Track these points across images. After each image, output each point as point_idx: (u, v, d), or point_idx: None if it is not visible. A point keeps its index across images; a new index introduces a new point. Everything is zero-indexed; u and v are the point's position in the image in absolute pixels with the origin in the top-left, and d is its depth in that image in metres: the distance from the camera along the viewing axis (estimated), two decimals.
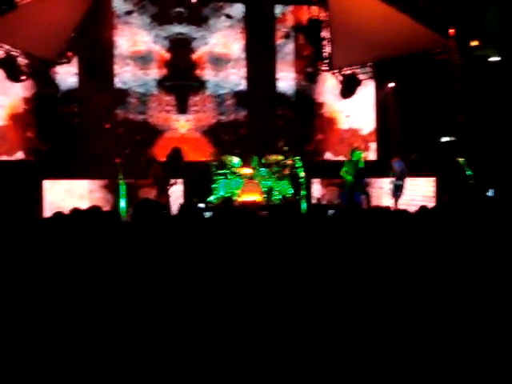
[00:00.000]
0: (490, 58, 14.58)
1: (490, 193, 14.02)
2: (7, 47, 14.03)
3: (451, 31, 14.46)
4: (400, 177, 14.46)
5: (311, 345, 3.13)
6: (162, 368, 3.04)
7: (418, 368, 3.05)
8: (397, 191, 14.48)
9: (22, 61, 14.59)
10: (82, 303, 3.31)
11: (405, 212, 4.54)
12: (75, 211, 4.54)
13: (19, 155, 15.39)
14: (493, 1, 14.38)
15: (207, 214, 9.13)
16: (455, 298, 3.46)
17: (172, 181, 13.72)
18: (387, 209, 5.04)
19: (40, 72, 15.13)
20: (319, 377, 3.03)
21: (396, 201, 14.48)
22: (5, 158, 15.22)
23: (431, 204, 14.94)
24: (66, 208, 5.07)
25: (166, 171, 13.69)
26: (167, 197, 13.58)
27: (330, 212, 4.68)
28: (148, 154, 15.72)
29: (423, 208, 5.27)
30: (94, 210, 4.45)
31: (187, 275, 3.63)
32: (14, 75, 14.51)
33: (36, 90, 15.46)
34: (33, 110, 15.52)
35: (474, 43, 14.51)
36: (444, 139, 15.40)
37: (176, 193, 14.35)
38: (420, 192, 15.28)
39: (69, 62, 15.66)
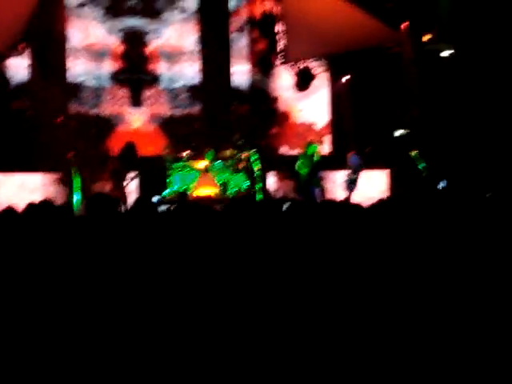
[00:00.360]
0: (442, 51, 14.75)
1: (442, 184, 14.22)
2: None
3: (404, 25, 14.61)
4: (355, 171, 14.54)
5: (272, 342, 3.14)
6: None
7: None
8: (351, 185, 14.56)
9: None
10: (34, 299, 3.27)
11: (358, 205, 4.58)
12: (28, 206, 4.46)
13: None
14: None
15: (162, 208, 9.08)
16: (411, 291, 3.49)
17: (128, 175, 13.63)
18: (342, 202, 5.07)
19: None
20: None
21: (349, 194, 14.57)
22: None
23: (385, 197, 15.18)
24: (19, 203, 4.99)
25: (122, 165, 13.60)
26: (123, 191, 13.49)
27: (285, 205, 4.69)
28: (102, 147, 15.58)
29: (378, 201, 5.31)
30: (46, 203, 4.38)
31: (140, 271, 3.60)
32: None
33: None
34: None
35: (427, 37, 14.68)
36: (397, 133, 15.55)
37: (131, 187, 14.24)
38: (374, 185, 15.40)
39: (20, 54, 15.41)
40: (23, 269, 3.45)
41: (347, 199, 14.14)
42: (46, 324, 3.12)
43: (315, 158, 13.90)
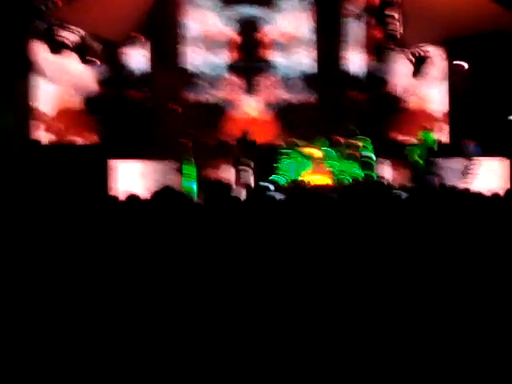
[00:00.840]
0: None
1: None
2: (81, 32, 14.24)
3: None
4: (473, 158, 14.12)
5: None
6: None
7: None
8: (469, 173, 14.18)
9: (95, 45, 14.78)
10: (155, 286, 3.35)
11: (480, 195, 4.45)
12: (153, 194, 4.58)
13: (95, 139, 15.70)
14: None
15: (277, 196, 9.12)
16: None
17: (247, 163, 13.75)
18: (463, 191, 4.95)
19: (111, 55, 15.29)
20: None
21: (469, 183, 14.19)
22: (76, 140, 15.56)
23: (504, 187, 14.69)
24: (137, 190, 5.12)
25: (241, 152, 13.70)
26: (244, 178, 13.64)
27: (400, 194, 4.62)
28: (218, 135, 15.82)
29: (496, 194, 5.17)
30: (168, 190, 4.48)
31: (259, 256, 3.64)
32: (88, 60, 14.72)
33: (107, 73, 15.65)
34: (104, 93, 15.78)
35: None
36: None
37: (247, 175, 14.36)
38: (493, 175, 14.93)
39: (140, 45, 15.80)
40: (147, 256, 3.54)
41: (467, 188, 13.80)
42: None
43: (432, 146, 13.61)
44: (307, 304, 3.27)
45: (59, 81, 15.48)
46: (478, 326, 3.14)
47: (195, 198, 12.33)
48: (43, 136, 15.43)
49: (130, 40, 15.59)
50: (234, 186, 13.38)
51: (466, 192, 5.06)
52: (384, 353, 3.05)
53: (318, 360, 3.04)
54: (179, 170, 14.74)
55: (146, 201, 4.36)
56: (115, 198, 4.74)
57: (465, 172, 14.24)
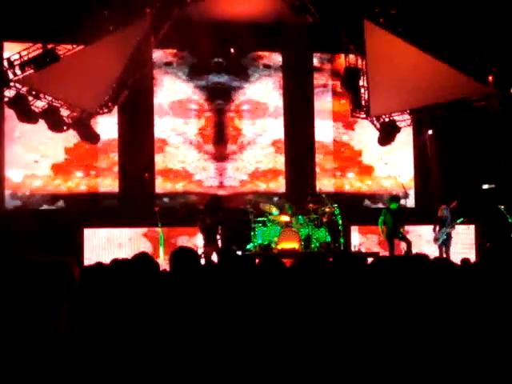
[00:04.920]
0: None
1: None
2: (50, 98, 14.29)
3: (490, 78, 14.42)
4: (450, 224, 14.05)
5: None
6: None
7: None
8: (448, 239, 14.13)
9: (64, 111, 14.83)
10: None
11: (449, 262, 4.46)
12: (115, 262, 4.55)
13: (60, 204, 15.65)
14: None
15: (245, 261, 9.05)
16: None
17: (218, 229, 13.74)
18: (430, 258, 4.97)
19: (81, 122, 15.34)
20: None
21: (446, 250, 14.09)
22: (46, 207, 15.52)
23: (472, 251, 14.81)
24: (106, 256, 5.11)
25: (211, 219, 13.67)
26: (216, 245, 13.58)
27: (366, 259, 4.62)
28: (188, 201, 15.87)
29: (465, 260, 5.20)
30: (142, 257, 4.46)
31: (226, 324, 3.61)
32: (55, 126, 14.73)
33: (77, 139, 15.68)
34: (74, 160, 15.81)
35: None
36: (485, 186, 15.23)
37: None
38: (460, 240, 15.06)
39: (110, 112, 15.90)
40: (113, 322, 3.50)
41: (444, 255, 13.73)
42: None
43: (398, 212, 13.71)
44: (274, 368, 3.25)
45: (28, 147, 15.50)
46: None
47: (162, 264, 12.23)
48: (11, 202, 15.37)
49: (101, 107, 15.67)
50: (202, 252, 13.34)
51: (434, 259, 5.08)
52: None
53: None
54: (149, 237, 14.70)
55: (113, 268, 4.32)
56: (84, 266, 4.70)
57: (443, 239, 14.09)
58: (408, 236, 14.33)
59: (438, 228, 14.12)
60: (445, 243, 14.05)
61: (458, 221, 13.95)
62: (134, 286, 3.99)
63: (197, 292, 4.10)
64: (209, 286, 4.19)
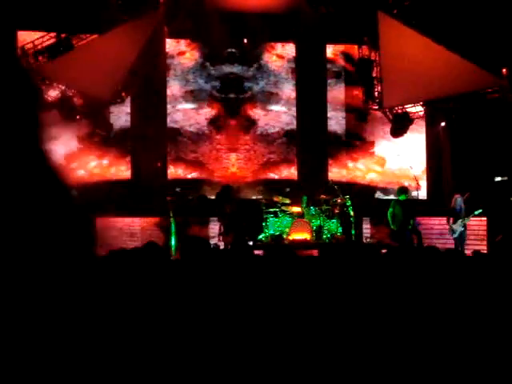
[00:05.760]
0: None
1: None
2: (63, 87, 14.33)
3: (504, 70, 14.35)
4: (466, 215, 13.71)
5: None
6: None
7: None
8: (464, 231, 13.84)
9: (76, 101, 14.87)
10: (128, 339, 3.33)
11: (459, 253, 4.47)
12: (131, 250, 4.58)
13: (72, 193, 15.67)
14: None
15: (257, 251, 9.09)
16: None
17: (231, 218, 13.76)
18: (442, 249, 4.97)
19: (94, 112, 15.37)
20: None
21: (462, 242, 13.80)
22: None
23: (483, 244, 14.74)
24: (118, 246, 5.11)
25: (224, 208, 13.66)
26: (234, 235, 13.61)
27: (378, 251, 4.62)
28: (200, 191, 15.89)
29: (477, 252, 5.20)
30: (150, 246, 4.48)
31: (233, 312, 3.62)
32: (68, 115, 14.78)
33: (90, 129, 15.72)
34: (87, 149, 15.83)
35: None
36: (497, 179, 15.16)
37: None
38: (471, 232, 14.97)
39: (123, 101, 15.92)
40: (122, 311, 3.52)
41: (460, 248, 13.50)
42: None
43: (409, 204, 13.62)
44: (283, 360, 3.26)
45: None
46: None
47: (174, 253, 12.27)
48: None
49: (114, 97, 15.68)
50: (214, 242, 13.37)
51: (445, 250, 5.09)
52: None
53: None
54: (162, 227, 14.73)
55: (127, 256, 4.35)
56: (98, 254, 4.72)
57: (457, 230, 13.79)
58: (419, 228, 14.26)
59: (451, 219, 13.81)
60: (462, 235, 13.80)
61: (476, 212, 13.46)
62: (143, 274, 4.01)
63: (206, 280, 4.12)
64: (218, 274, 4.21)
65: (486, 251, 14.32)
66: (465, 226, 13.69)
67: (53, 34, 14.13)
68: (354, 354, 3.28)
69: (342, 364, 3.24)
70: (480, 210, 13.45)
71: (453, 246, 13.63)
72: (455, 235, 13.78)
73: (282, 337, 3.43)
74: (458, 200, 13.74)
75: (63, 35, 14.02)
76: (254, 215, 14.73)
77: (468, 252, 11.44)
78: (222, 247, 12.83)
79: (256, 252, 11.70)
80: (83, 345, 3.20)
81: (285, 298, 3.84)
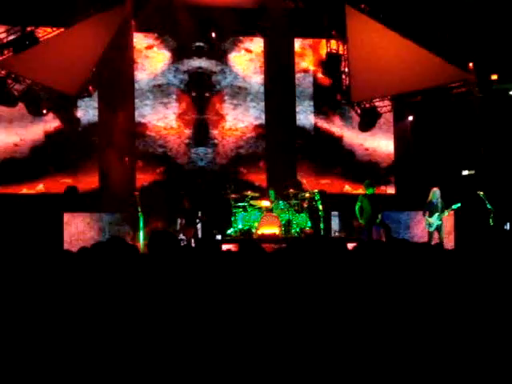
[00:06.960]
0: (510, 91, 14.55)
1: (507, 226, 13.83)
2: (29, 81, 14.17)
3: (470, 65, 14.48)
4: (444, 209, 13.68)
5: None
6: None
7: None
8: (441, 225, 13.76)
9: (43, 95, 14.70)
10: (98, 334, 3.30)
11: (431, 246, 4.49)
12: (96, 244, 4.53)
13: (40, 188, 15.53)
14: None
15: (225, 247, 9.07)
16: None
17: (198, 213, 13.78)
18: (410, 243, 4.99)
19: (61, 106, 15.21)
20: None
21: (439, 236, 13.74)
22: (26, 191, 15.39)
23: (449, 238, 14.85)
24: (87, 241, 5.08)
25: (191, 204, 13.71)
26: (195, 229, 13.64)
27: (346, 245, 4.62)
28: (168, 186, 15.81)
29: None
30: (115, 241, 4.43)
31: (202, 308, 3.60)
32: (34, 109, 14.62)
33: (57, 123, 15.56)
34: (53, 144, 15.67)
35: (494, 77, 14.51)
36: (465, 172, 15.28)
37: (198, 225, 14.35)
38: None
39: (90, 96, 15.78)
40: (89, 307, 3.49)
41: (434, 241, 13.46)
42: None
43: (377, 198, 13.68)
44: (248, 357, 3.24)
45: (6, 130, 15.36)
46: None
47: (142, 248, 12.20)
48: None
49: (81, 91, 15.53)
50: (181, 236, 13.35)
51: (413, 244, 5.10)
52: None
53: None
54: (128, 221, 14.63)
55: (92, 252, 4.30)
56: (66, 250, 4.66)
57: (438, 224, 13.72)
58: (387, 222, 14.32)
59: (427, 213, 13.73)
60: (438, 229, 13.78)
61: (455, 206, 13.49)
62: (110, 270, 3.97)
63: (174, 275, 4.09)
64: (186, 269, 4.18)
65: (452, 245, 14.48)
66: (441, 219, 13.69)
67: (18, 28, 13.96)
68: (323, 348, 3.27)
69: (312, 358, 3.23)
70: (459, 204, 13.48)
71: (422, 240, 13.69)
72: (431, 229, 13.77)
73: (248, 333, 3.41)
74: (437, 193, 13.71)
75: (29, 29, 13.85)
76: (222, 209, 14.73)
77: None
78: (184, 242, 12.85)
79: (225, 246, 11.73)
80: (49, 341, 3.16)
81: (252, 291, 3.82)
